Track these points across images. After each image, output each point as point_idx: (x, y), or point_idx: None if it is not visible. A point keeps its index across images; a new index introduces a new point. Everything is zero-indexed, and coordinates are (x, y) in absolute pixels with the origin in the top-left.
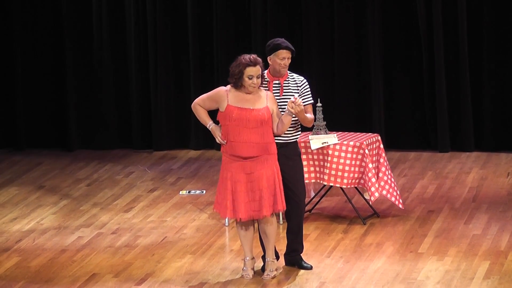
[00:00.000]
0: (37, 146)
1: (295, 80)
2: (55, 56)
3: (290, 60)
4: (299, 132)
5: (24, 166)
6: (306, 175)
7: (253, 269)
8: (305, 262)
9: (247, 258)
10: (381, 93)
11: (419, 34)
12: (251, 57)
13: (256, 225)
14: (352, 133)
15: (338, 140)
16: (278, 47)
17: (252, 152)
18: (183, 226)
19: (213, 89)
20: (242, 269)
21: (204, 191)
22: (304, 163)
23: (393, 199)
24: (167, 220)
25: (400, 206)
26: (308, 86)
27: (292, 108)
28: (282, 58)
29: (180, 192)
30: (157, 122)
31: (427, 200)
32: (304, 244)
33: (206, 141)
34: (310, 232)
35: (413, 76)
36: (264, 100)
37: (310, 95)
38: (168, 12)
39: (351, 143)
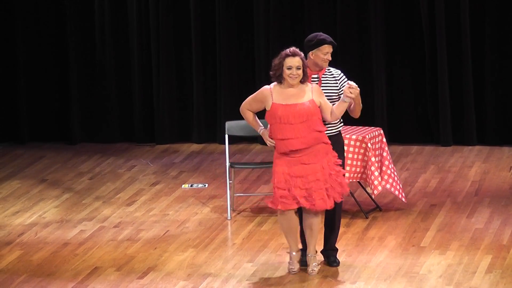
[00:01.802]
0: (39, 139)
1: (332, 74)
2: (58, 49)
3: (330, 55)
4: (342, 124)
5: (26, 159)
6: None
7: (299, 262)
8: (335, 258)
9: (293, 252)
10: (384, 87)
11: (422, 29)
12: (291, 48)
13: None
14: (355, 127)
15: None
16: (323, 42)
17: (301, 145)
18: (185, 219)
19: (214, 83)
20: (288, 262)
21: (207, 185)
22: None
23: (396, 192)
24: (169, 214)
25: (403, 199)
26: (346, 78)
27: (351, 93)
28: (326, 52)
29: (183, 186)
30: (159, 116)
31: (429, 194)
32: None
33: (208, 134)
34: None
35: (415, 70)
36: (309, 93)
37: None
38: (171, 7)
39: (354, 137)
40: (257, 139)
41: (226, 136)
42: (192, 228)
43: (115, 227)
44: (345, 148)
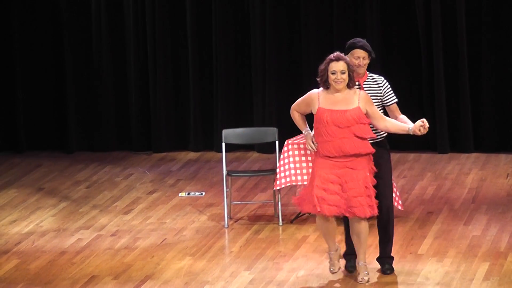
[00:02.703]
0: (36, 148)
1: (375, 80)
2: (55, 58)
3: (366, 61)
4: (385, 133)
5: (23, 168)
6: (305, 177)
7: (339, 260)
8: (389, 266)
9: (332, 252)
10: None
11: (418, 36)
12: (335, 53)
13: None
14: None
15: None
16: (353, 46)
17: (345, 149)
18: (182, 227)
19: (211, 91)
20: (329, 262)
21: (204, 193)
22: (303, 165)
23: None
24: (167, 222)
25: (400, 207)
26: (389, 84)
27: (419, 130)
28: (357, 57)
29: (180, 194)
30: (156, 124)
31: (426, 201)
32: (304, 245)
33: (205, 142)
34: (310, 233)
35: (412, 77)
36: (356, 101)
37: (393, 94)
38: (167, 16)
39: None
40: (254, 147)
41: (223, 144)
42: (189, 236)
43: (112, 235)
44: None
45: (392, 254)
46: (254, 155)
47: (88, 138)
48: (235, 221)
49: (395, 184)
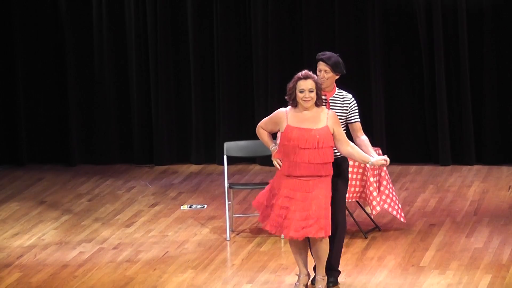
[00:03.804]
0: (38, 161)
1: (343, 96)
2: (57, 71)
3: (330, 74)
4: None
5: (25, 181)
6: None
7: (306, 285)
8: (333, 279)
9: (302, 275)
10: (382, 106)
11: (420, 48)
12: (304, 71)
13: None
14: None
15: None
16: (317, 59)
17: (309, 172)
18: (184, 240)
19: (213, 104)
20: (295, 283)
21: (206, 206)
22: None
23: (394, 212)
24: (169, 235)
25: (402, 219)
26: (356, 104)
27: (376, 165)
28: (319, 70)
29: (182, 207)
30: (158, 137)
31: (428, 214)
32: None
33: (207, 155)
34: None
35: (414, 90)
36: (324, 120)
37: (358, 113)
38: (169, 28)
39: None
40: (256, 160)
41: (225, 157)
42: (191, 249)
43: (114, 248)
44: None
45: (339, 268)
46: (256, 167)
47: (90, 151)
48: (237, 234)
49: (397, 197)
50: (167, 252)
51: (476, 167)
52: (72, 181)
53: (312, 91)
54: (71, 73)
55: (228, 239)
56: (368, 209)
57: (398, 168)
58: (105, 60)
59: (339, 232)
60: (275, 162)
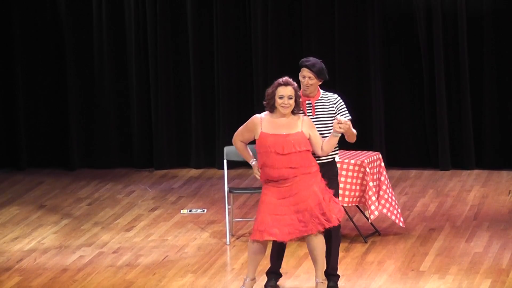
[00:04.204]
0: (38, 165)
1: (329, 98)
2: (57, 75)
3: (313, 81)
4: (337, 151)
5: (25, 185)
6: None
7: None
8: (333, 284)
9: (248, 278)
10: (382, 111)
11: (420, 52)
12: (284, 78)
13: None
14: (353, 151)
15: (339, 159)
16: (300, 65)
17: (287, 177)
18: (184, 245)
19: (212, 108)
20: (240, 287)
21: (205, 210)
22: None
23: (393, 217)
24: (168, 239)
25: (401, 224)
26: (343, 102)
27: (340, 128)
28: (303, 76)
29: (181, 211)
30: (158, 141)
31: (428, 218)
32: (306, 262)
33: (207, 160)
34: None
35: (414, 94)
36: (299, 125)
37: (347, 110)
38: (169, 34)
39: (352, 161)
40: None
41: (225, 161)
42: (191, 253)
43: (114, 252)
44: (344, 172)
45: (338, 273)
46: None
47: (89, 156)
48: (237, 238)
49: (396, 201)
50: (167, 256)
51: (475, 171)
52: (72, 185)
53: (291, 98)
54: (71, 77)
55: (228, 243)
56: (367, 214)
57: (398, 172)
58: (105, 64)
59: (334, 237)
60: (257, 175)
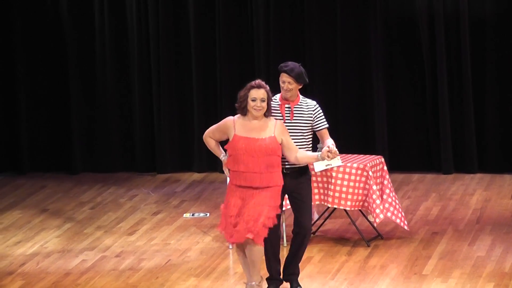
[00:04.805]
0: (40, 169)
1: (308, 105)
2: (59, 79)
3: (293, 85)
4: None
5: (27, 189)
6: (316, 196)
7: None
8: (297, 285)
9: (249, 283)
10: (385, 115)
11: (422, 57)
12: (257, 81)
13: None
14: (356, 155)
15: (342, 163)
16: (279, 70)
17: (255, 182)
18: (187, 248)
19: (215, 112)
20: None
21: (208, 214)
22: (314, 184)
23: (398, 220)
24: (171, 243)
25: (405, 227)
26: (321, 110)
27: (328, 157)
28: (283, 81)
29: (184, 215)
30: (161, 145)
31: (431, 222)
32: (308, 266)
33: (209, 163)
34: (314, 254)
35: (416, 98)
36: (272, 129)
37: (325, 119)
38: (172, 37)
39: (355, 165)
40: None
41: None
42: (194, 257)
43: (116, 256)
44: (347, 176)
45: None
46: None
47: (92, 159)
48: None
49: (399, 205)
50: (169, 260)
51: (478, 175)
52: (74, 189)
53: (263, 101)
54: (73, 82)
55: (230, 247)
56: (370, 218)
57: (400, 176)
58: (107, 68)
59: (306, 240)
60: (226, 171)
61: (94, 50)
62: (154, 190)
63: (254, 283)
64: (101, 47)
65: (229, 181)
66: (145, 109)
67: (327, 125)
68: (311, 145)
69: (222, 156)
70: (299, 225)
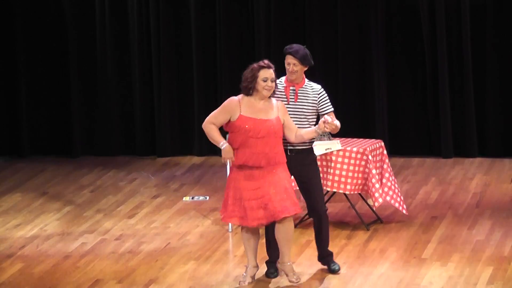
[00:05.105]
0: (40, 152)
1: (313, 88)
2: (59, 63)
3: (298, 67)
4: (313, 139)
5: (27, 172)
6: None
7: (252, 277)
8: (333, 264)
9: (250, 265)
10: (385, 99)
11: (423, 41)
12: (265, 61)
13: (260, 232)
14: (356, 139)
15: (342, 146)
16: (284, 52)
17: (260, 162)
18: (186, 232)
19: (215, 95)
20: (242, 275)
21: (208, 197)
22: None
23: (396, 204)
24: (171, 226)
25: (404, 211)
26: (326, 94)
27: (326, 128)
28: (288, 63)
29: (184, 198)
30: (161, 129)
31: (430, 206)
32: (307, 250)
33: (209, 147)
34: (313, 238)
35: (416, 82)
36: (276, 110)
37: (330, 103)
38: (172, 20)
39: (355, 149)
40: None
41: None
42: (193, 240)
43: (116, 239)
44: (346, 160)
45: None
46: None
47: (92, 143)
48: (239, 226)
49: (399, 189)
50: (169, 243)
51: (478, 159)
52: (74, 173)
53: (273, 81)
54: (74, 65)
55: (230, 230)
56: (370, 201)
57: (400, 160)
58: (108, 52)
59: (323, 223)
60: (229, 160)
61: (95, 34)
62: (153, 174)
63: (289, 263)
64: (102, 31)
65: (231, 165)
66: (145, 92)
67: (332, 109)
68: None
69: (222, 143)
70: (312, 210)
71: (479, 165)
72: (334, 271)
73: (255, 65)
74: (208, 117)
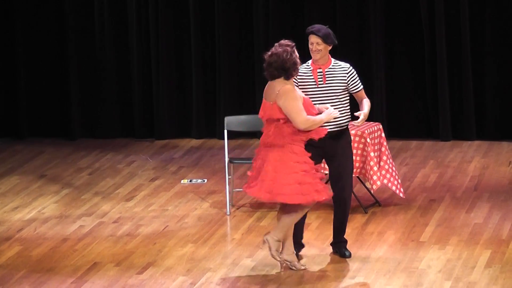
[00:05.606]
0: (39, 134)
1: (341, 66)
2: (58, 45)
3: (322, 46)
4: (349, 119)
5: (25, 155)
6: None
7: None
8: (346, 250)
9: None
10: (383, 82)
11: (421, 24)
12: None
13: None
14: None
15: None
16: (307, 32)
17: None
18: (184, 215)
19: (213, 78)
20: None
21: (206, 180)
22: None
23: (394, 188)
24: (169, 209)
25: (401, 195)
26: (355, 72)
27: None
28: (311, 43)
29: (182, 181)
30: (159, 111)
31: (428, 189)
32: (306, 233)
33: (207, 130)
34: (312, 221)
35: (415, 65)
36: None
37: (359, 81)
38: (170, 4)
39: (353, 132)
40: (257, 134)
41: (225, 131)
42: (191, 223)
43: (114, 222)
44: None
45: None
46: (257, 142)
47: (90, 125)
48: (237, 208)
49: (396, 172)
50: (167, 226)
51: (476, 142)
52: (72, 155)
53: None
54: (72, 46)
55: (228, 213)
56: (368, 184)
57: (398, 143)
58: (106, 34)
59: (346, 209)
60: (335, 114)
61: (93, 16)
62: (152, 156)
63: (291, 250)
64: (101, 15)
65: (297, 143)
66: (144, 75)
67: (361, 88)
68: (348, 107)
69: (323, 114)
70: (337, 194)
71: (477, 148)
72: (344, 256)
73: (285, 46)
74: (298, 118)
